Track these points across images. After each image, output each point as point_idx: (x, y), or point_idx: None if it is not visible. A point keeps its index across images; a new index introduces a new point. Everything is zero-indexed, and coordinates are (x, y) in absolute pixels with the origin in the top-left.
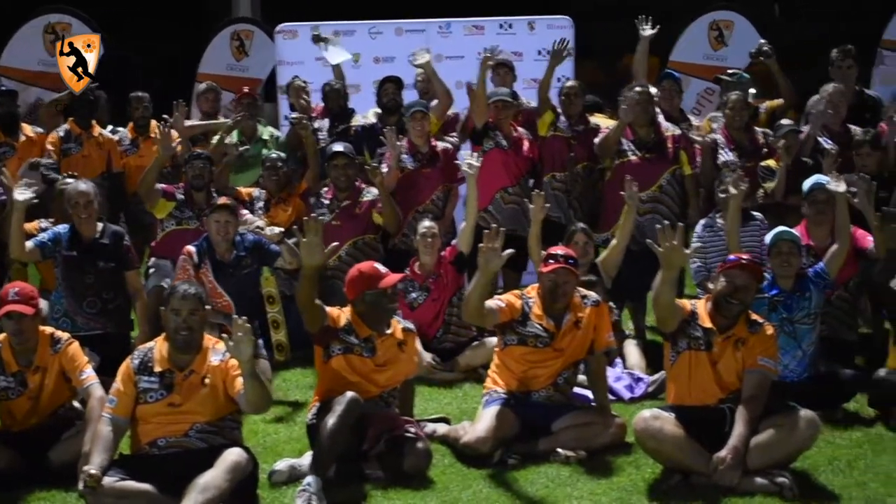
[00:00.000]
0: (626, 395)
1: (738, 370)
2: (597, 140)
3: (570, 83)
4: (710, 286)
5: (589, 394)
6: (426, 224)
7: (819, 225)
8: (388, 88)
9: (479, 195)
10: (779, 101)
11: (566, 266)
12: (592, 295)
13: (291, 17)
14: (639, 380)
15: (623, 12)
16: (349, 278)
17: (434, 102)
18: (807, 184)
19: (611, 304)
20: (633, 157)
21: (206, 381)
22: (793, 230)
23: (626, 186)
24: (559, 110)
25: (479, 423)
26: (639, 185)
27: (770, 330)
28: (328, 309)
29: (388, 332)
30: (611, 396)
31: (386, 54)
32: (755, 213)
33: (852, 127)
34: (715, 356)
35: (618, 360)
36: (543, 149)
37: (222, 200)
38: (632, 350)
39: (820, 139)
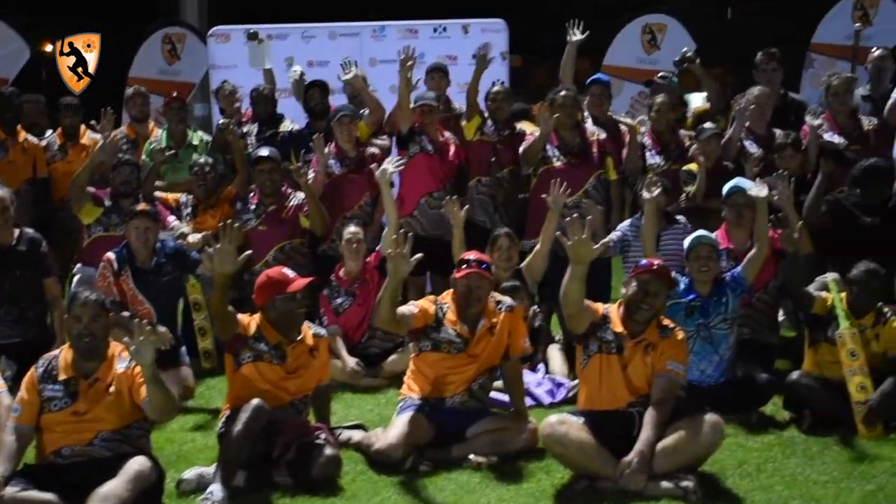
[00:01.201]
0: (547, 399)
1: (647, 375)
2: (521, 148)
3: (496, 88)
4: (623, 290)
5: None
6: (351, 229)
7: (738, 228)
8: (315, 93)
9: (406, 200)
10: (707, 105)
11: (479, 271)
12: (507, 300)
13: (237, 21)
14: (560, 385)
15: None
16: (258, 284)
17: (366, 111)
18: (727, 187)
19: (535, 308)
20: (557, 163)
21: (112, 388)
22: (712, 234)
23: (551, 190)
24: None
25: (392, 430)
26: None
27: (680, 335)
28: (239, 316)
29: (299, 338)
30: (531, 401)
31: (320, 58)
32: (678, 216)
33: (776, 130)
34: (625, 360)
35: (541, 365)
36: (469, 153)
37: (141, 207)
38: (555, 355)
39: (745, 142)
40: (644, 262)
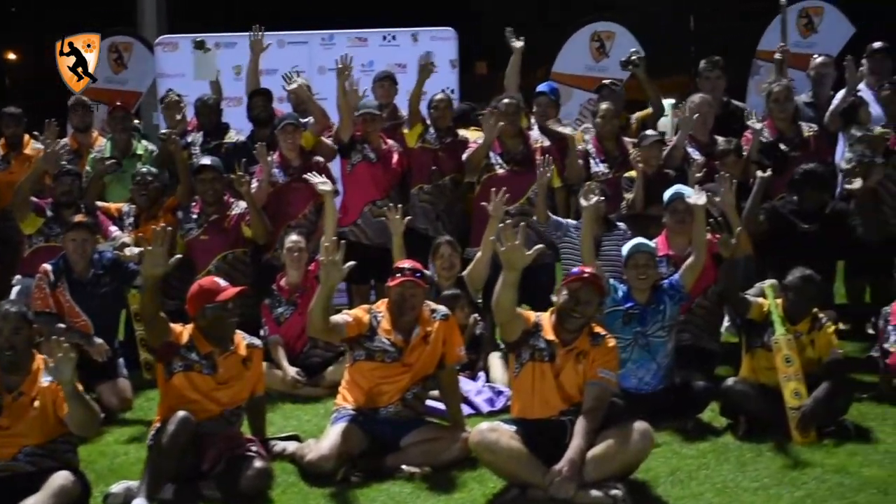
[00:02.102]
0: (486, 408)
1: (579, 383)
2: (465, 156)
3: (439, 96)
4: (554, 299)
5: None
6: (292, 238)
7: (679, 234)
8: (258, 101)
9: (349, 209)
10: (648, 111)
11: (413, 279)
12: (442, 309)
13: (196, 30)
14: (500, 393)
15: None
16: (189, 294)
17: (310, 119)
18: (668, 193)
19: (476, 316)
20: (500, 171)
21: (36, 402)
22: (650, 242)
23: (491, 197)
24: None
25: (324, 441)
26: (508, 197)
27: (611, 342)
28: (173, 325)
29: (231, 348)
30: (470, 410)
31: (268, 66)
32: (619, 223)
33: (718, 137)
34: (558, 368)
35: (481, 373)
36: (412, 161)
37: (79, 218)
38: (496, 363)
39: (688, 149)
40: (575, 270)
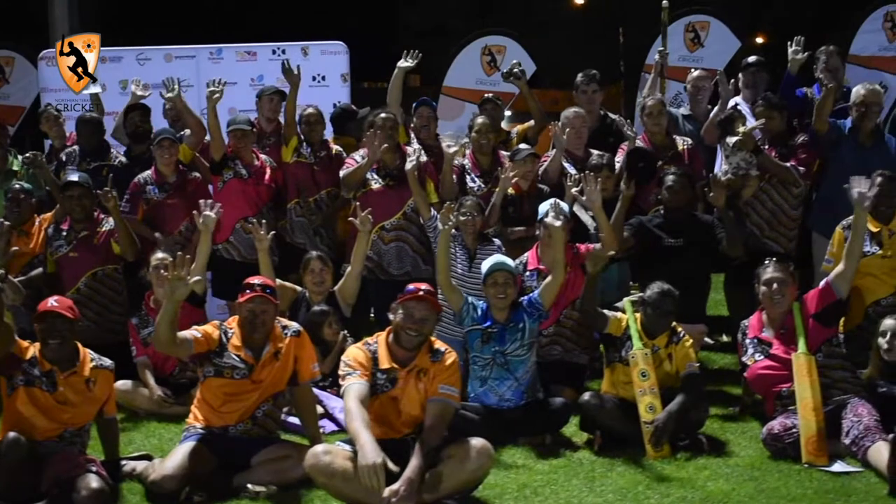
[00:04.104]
0: None
1: (421, 401)
2: (343, 172)
3: (309, 110)
4: (391, 317)
5: None
6: (158, 256)
7: (549, 249)
8: (135, 117)
9: (222, 226)
10: (529, 124)
11: (263, 295)
12: (294, 325)
13: (109, 43)
14: None
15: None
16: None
17: (187, 131)
18: (542, 208)
19: (345, 332)
20: (376, 186)
21: None
22: (509, 259)
23: (357, 212)
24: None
25: (168, 461)
26: (384, 212)
27: (451, 357)
28: (20, 340)
29: (74, 368)
30: (334, 426)
31: (155, 81)
32: (495, 238)
33: (593, 151)
34: (400, 392)
35: None
36: (287, 175)
37: None
38: None
39: (564, 164)
40: (410, 287)
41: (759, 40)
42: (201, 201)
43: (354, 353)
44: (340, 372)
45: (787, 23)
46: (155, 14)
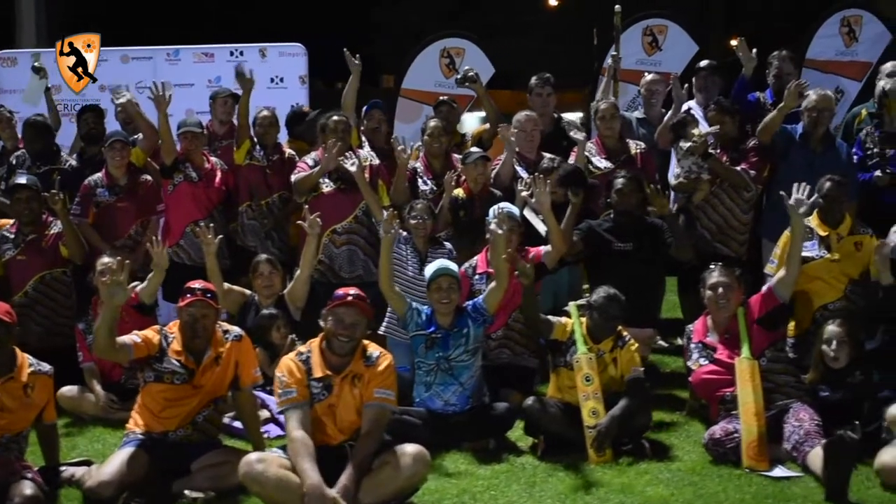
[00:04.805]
0: None
1: (358, 407)
2: (294, 177)
3: (263, 113)
4: (322, 323)
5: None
6: (103, 261)
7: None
8: (89, 118)
9: (172, 229)
10: (484, 127)
11: (203, 299)
12: (235, 329)
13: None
14: None
15: None
16: None
17: (139, 136)
18: (492, 211)
19: (294, 336)
20: (326, 189)
21: None
22: (452, 264)
23: (305, 215)
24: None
25: (105, 467)
26: (335, 216)
27: (385, 361)
28: None
29: (11, 374)
30: (280, 430)
31: (111, 82)
32: (446, 241)
33: (545, 154)
34: (335, 399)
35: None
36: (239, 178)
37: None
38: None
39: (516, 167)
40: (339, 293)
41: (734, 42)
42: None
43: (288, 365)
44: (276, 389)
45: (762, 23)
46: (113, 15)
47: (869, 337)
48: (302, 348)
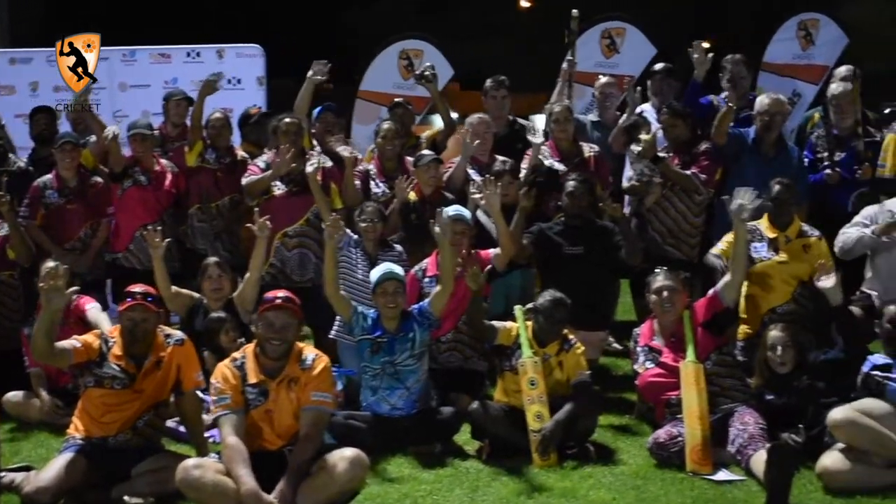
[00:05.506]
0: None
1: (295, 411)
2: (245, 180)
3: (216, 115)
4: (253, 328)
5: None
6: (48, 265)
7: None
8: (41, 119)
9: (120, 235)
10: (438, 129)
11: (143, 303)
12: (177, 334)
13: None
14: None
15: None
16: None
17: (92, 138)
18: (445, 213)
19: (242, 339)
20: (278, 192)
21: None
22: (397, 269)
23: (255, 218)
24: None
25: (43, 473)
26: (287, 219)
27: (322, 364)
28: None
29: None
30: None
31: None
32: (396, 244)
33: (498, 157)
34: (272, 404)
35: None
36: (190, 180)
37: None
38: None
39: (469, 170)
40: (268, 296)
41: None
42: None
43: (223, 372)
44: (211, 396)
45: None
46: (64, 14)
47: (824, 344)
48: (237, 354)
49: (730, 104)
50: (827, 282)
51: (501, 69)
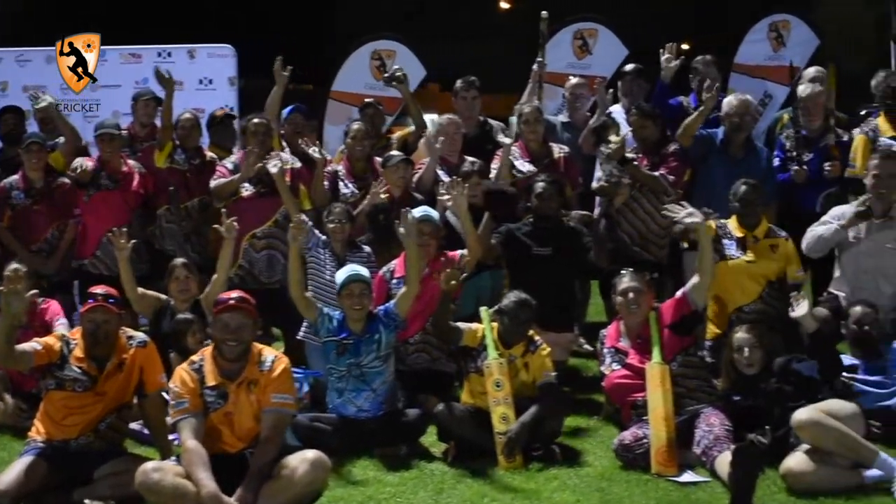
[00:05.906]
0: None
1: (255, 413)
2: (213, 183)
3: (185, 115)
4: (210, 331)
5: None
6: (12, 268)
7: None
8: (9, 119)
9: (87, 240)
10: (410, 130)
11: (104, 305)
12: (140, 335)
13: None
14: None
15: None
16: None
17: (61, 139)
18: (412, 214)
19: (209, 341)
20: (246, 193)
21: None
22: (363, 270)
23: (223, 220)
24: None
25: (3, 476)
26: (255, 220)
27: (281, 365)
28: None
29: None
30: None
31: (36, 82)
32: (365, 245)
33: (467, 157)
34: (231, 407)
35: None
36: (159, 181)
37: None
38: None
39: (438, 171)
40: (222, 297)
41: (685, 46)
42: None
43: (181, 375)
44: (170, 400)
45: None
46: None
47: (792, 345)
48: (195, 357)
49: (701, 108)
50: (799, 310)
51: (500, 69)
